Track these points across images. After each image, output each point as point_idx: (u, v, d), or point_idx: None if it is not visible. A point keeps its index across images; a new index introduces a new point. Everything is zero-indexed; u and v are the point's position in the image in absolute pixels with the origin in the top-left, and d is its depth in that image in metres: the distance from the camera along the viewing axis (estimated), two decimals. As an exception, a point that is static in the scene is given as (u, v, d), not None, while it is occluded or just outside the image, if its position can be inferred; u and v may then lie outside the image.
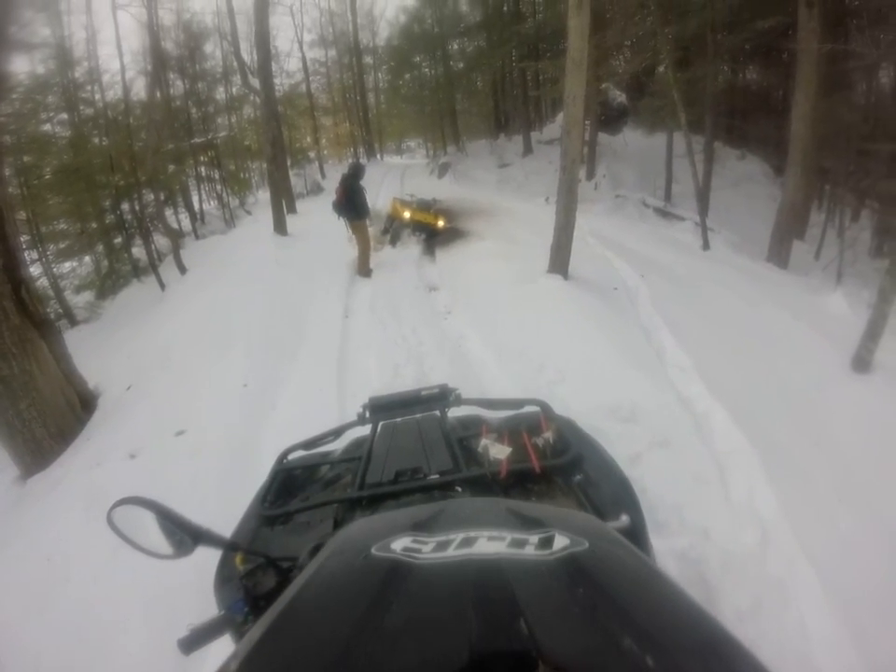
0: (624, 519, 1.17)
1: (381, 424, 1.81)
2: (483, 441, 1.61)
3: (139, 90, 14.89)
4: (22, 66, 11.55)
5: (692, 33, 11.01)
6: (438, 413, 1.82)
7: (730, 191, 12.84)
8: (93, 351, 6.78)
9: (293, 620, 0.52)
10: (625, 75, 14.96)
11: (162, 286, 9.15)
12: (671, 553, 2.66)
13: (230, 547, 1.12)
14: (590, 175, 14.12)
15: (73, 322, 10.69)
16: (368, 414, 1.84)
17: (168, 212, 13.97)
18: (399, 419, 1.86)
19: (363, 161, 7.78)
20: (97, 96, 13.47)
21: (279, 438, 3.76)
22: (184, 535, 1.05)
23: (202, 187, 17.96)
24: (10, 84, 10.14)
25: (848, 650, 2.27)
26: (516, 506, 0.78)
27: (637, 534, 1.24)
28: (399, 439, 1.74)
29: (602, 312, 5.43)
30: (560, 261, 6.25)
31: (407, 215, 9.38)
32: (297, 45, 25.42)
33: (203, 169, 17.44)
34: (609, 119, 16.20)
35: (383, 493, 1.39)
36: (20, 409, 4.13)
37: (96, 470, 3.89)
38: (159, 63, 14.11)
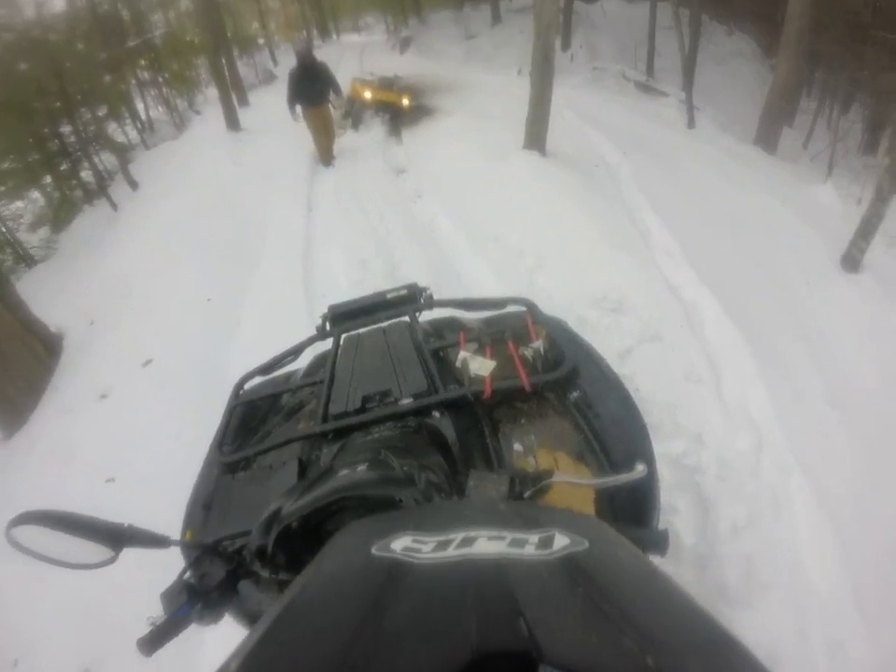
0: (640, 469, 1.01)
1: (343, 337, 1.63)
2: (462, 354, 1.41)
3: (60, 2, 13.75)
4: None
5: None
6: (407, 318, 1.63)
7: (716, 69, 11.97)
8: (53, 289, 6.48)
9: (293, 620, 0.50)
10: None
11: (114, 206, 8.64)
12: (667, 458, 2.66)
13: (159, 543, 1.00)
14: (565, 46, 13.08)
15: (31, 263, 10.32)
16: (328, 326, 1.70)
17: (113, 126, 13.23)
18: (363, 330, 1.68)
19: (302, 41, 7.16)
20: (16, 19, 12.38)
21: (246, 357, 3.60)
22: (101, 541, 0.93)
23: (145, 93, 16.94)
24: None
25: (835, 556, 2.31)
26: (516, 506, 0.81)
27: (649, 487, 1.19)
28: (365, 355, 1.56)
29: (583, 190, 5.03)
30: (536, 136, 5.74)
31: (368, 95, 8.74)
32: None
33: (145, 74, 16.38)
34: None
35: (349, 424, 1.26)
36: None
37: (68, 418, 3.81)
38: None
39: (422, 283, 1.77)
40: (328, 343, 1.65)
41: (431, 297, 1.70)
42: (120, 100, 13.62)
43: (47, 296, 5.91)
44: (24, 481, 3.47)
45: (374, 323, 1.67)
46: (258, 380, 1.67)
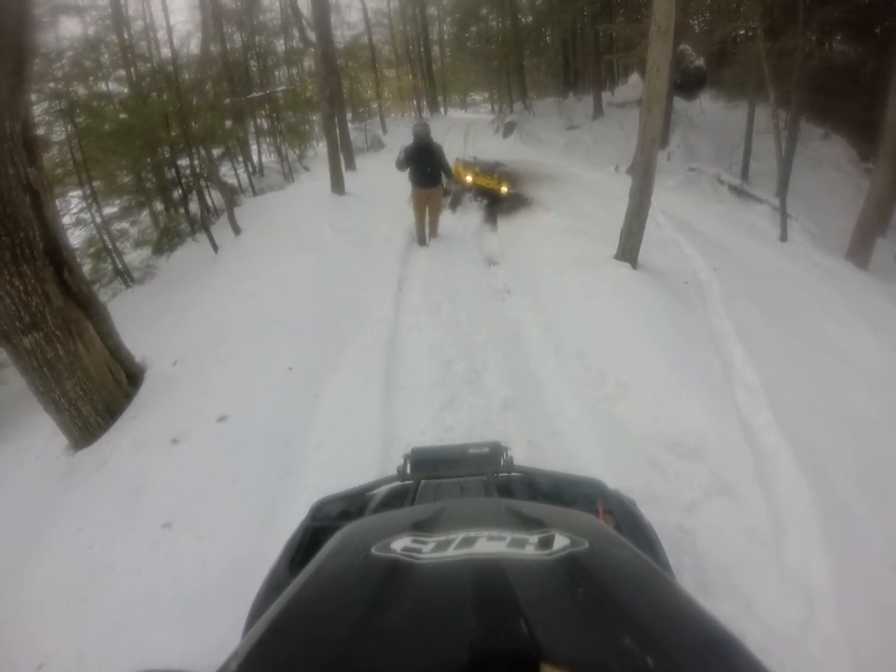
0: None
1: (422, 482, 1.64)
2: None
3: (196, 45, 14.93)
4: (74, 29, 11.71)
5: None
6: (485, 478, 1.61)
7: (811, 173, 11.95)
8: (144, 317, 6.77)
9: (293, 620, 0.51)
10: (711, 42, 13.84)
11: (216, 248, 9.02)
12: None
13: None
14: (663, 145, 13.13)
15: (130, 280, 10.86)
16: (409, 469, 1.72)
17: (226, 166, 14.10)
18: (442, 480, 1.67)
19: (423, 124, 7.34)
20: (153, 52, 13.60)
21: (317, 435, 3.66)
22: None
23: (260, 139, 18.04)
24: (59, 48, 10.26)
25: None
26: (516, 506, 0.78)
27: None
28: None
29: (671, 312, 4.99)
30: (630, 248, 5.75)
31: (469, 178, 9.02)
32: (357, -5, 24.79)
33: (262, 121, 17.46)
34: (686, 83, 15.07)
35: None
36: (66, 389, 4.10)
37: (140, 454, 3.88)
38: (215, 16, 14.09)
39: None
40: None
41: (512, 460, 1.70)
42: (238, 143, 14.48)
43: (136, 322, 6.15)
44: (83, 500, 3.56)
45: (453, 476, 1.68)
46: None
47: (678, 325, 4.79)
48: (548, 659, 0.39)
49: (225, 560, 2.78)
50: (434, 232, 7.69)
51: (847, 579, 2.65)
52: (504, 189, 8.86)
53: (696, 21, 14.69)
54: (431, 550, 0.57)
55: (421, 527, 0.64)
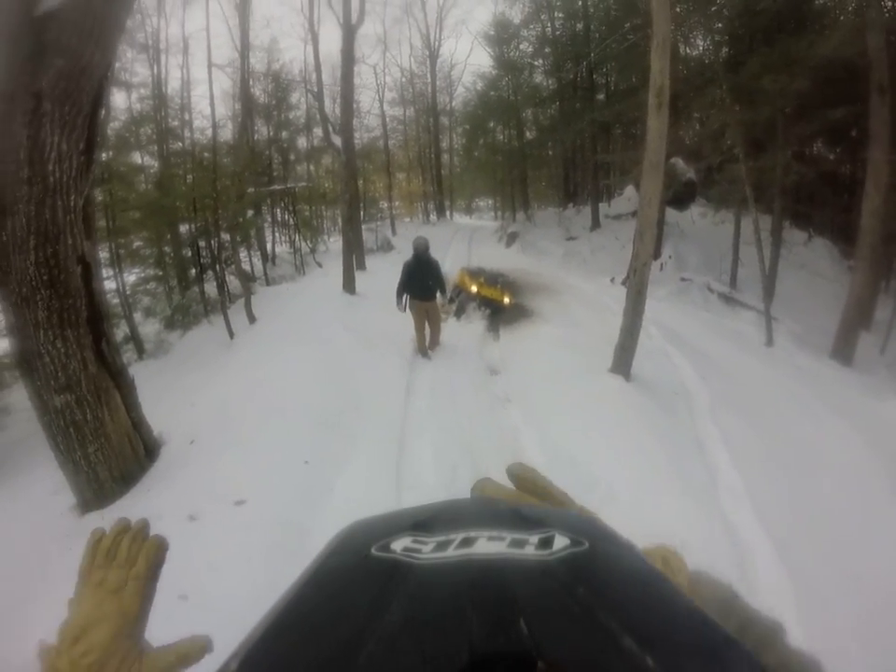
0: None
1: None
2: None
3: (226, 134, 15.85)
4: (122, 102, 12.59)
5: (763, 121, 10.95)
6: None
7: (795, 275, 12.60)
8: (156, 391, 6.92)
9: (292, 620, 0.51)
10: (700, 164, 14.87)
11: (231, 334, 9.32)
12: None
13: None
14: (656, 255, 13.55)
15: (141, 351, 11.06)
16: None
17: (242, 253, 14.43)
18: None
19: (422, 238, 7.47)
20: (186, 134, 14.53)
21: (333, 525, 3.83)
22: None
23: (275, 229, 18.59)
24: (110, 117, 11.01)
25: None
26: (516, 506, 0.73)
27: None
28: None
29: (661, 422, 5.35)
30: (623, 362, 6.20)
31: (474, 289, 9.44)
32: (377, 102, 26.77)
33: (278, 212, 18.07)
34: (678, 195, 15.91)
35: None
36: (87, 452, 4.28)
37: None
38: (247, 109, 14.96)
39: None
40: None
41: None
42: (255, 232, 15.01)
43: (151, 396, 6.14)
44: None
45: None
46: None
47: (666, 434, 5.14)
48: (548, 659, 0.40)
49: (235, 634, 2.88)
50: (435, 344, 7.83)
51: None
52: (507, 300, 9.28)
53: (687, 136, 15.72)
54: (431, 550, 0.57)
55: (421, 527, 0.61)
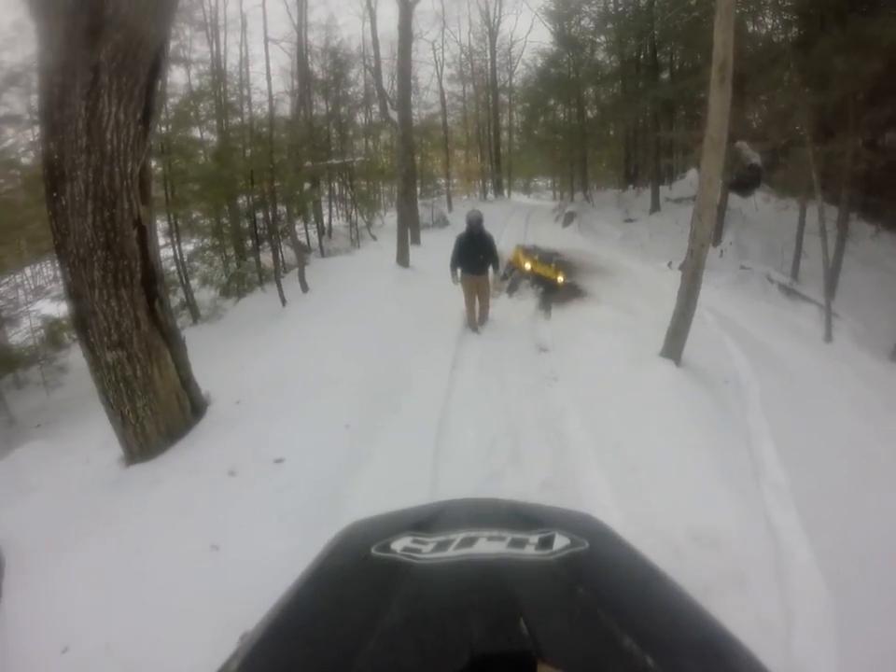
0: None
1: None
2: None
3: (284, 109, 16.00)
4: (181, 79, 12.87)
5: (833, 105, 10.26)
6: None
7: (860, 271, 11.77)
8: (209, 354, 7.06)
9: (293, 620, 0.52)
10: (765, 144, 14.12)
11: (284, 301, 9.49)
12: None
13: None
14: (716, 242, 13.17)
15: (196, 317, 11.42)
16: None
17: (298, 225, 14.74)
18: None
19: (476, 212, 7.26)
20: (245, 109, 14.70)
21: (368, 491, 3.88)
22: None
23: (332, 202, 18.80)
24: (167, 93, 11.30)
25: None
26: (516, 506, 0.79)
27: None
28: None
29: (709, 411, 5.12)
30: (675, 348, 5.95)
31: (528, 266, 9.34)
32: (436, 79, 26.40)
33: (335, 186, 18.27)
34: (741, 180, 15.21)
35: None
36: (136, 406, 4.43)
37: (196, 479, 4.09)
38: (305, 85, 15.08)
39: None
40: None
41: None
42: (312, 205, 15.22)
43: (204, 358, 6.31)
44: (133, 511, 3.76)
45: None
46: None
47: (713, 422, 4.92)
48: (548, 659, 0.40)
49: (265, 590, 2.90)
50: (484, 320, 7.75)
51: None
52: (560, 279, 9.12)
53: (753, 118, 14.95)
54: (431, 550, 0.57)
55: (421, 527, 0.63)
